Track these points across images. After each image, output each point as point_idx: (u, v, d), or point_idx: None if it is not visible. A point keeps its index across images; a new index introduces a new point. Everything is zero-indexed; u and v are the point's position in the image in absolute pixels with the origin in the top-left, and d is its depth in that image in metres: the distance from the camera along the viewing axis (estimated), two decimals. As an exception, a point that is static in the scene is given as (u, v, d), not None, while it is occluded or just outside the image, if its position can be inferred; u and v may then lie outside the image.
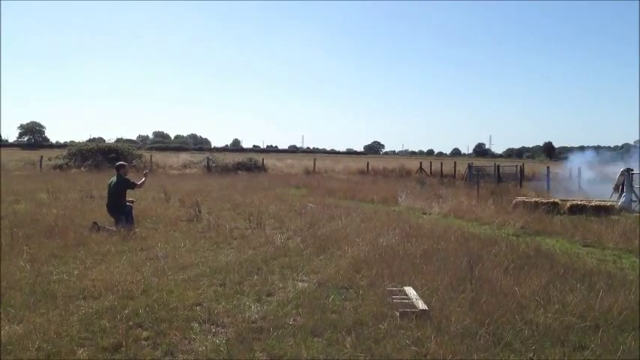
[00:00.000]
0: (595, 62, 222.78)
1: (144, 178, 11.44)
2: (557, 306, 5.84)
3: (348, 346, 4.73)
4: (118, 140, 62.61)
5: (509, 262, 7.81)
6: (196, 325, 5.24)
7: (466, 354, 4.50)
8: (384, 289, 6.38)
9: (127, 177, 11.30)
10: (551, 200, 16.49)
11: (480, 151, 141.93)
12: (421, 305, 5.64)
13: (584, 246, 10.34)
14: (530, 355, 4.21)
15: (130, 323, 5.15)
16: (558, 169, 31.90)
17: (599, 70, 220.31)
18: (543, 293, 6.29)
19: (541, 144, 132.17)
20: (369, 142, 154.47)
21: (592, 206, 15.48)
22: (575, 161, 29.64)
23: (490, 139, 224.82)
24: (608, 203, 16.23)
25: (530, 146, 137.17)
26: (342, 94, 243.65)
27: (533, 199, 16.70)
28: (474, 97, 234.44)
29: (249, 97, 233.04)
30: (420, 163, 38.78)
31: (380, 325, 5.19)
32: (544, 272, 7.27)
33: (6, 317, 5.23)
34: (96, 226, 10.19)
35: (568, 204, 15.86)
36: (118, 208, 10.77)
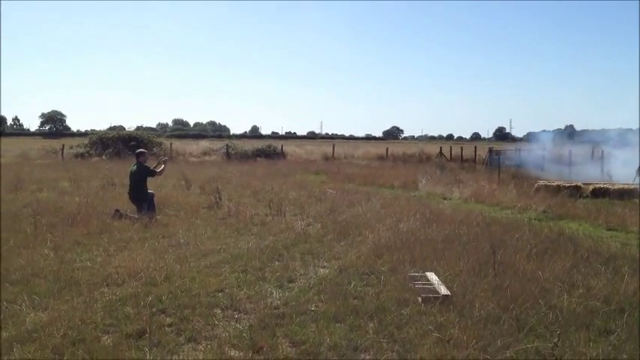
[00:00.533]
0: (619, 44, 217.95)
1: (163, 166, 11.50)
2: (581, 290, 5.77)
3: (370, 331, 4.73)
4: (138, 128, 62.98)
5: (532, 246, 7.73)
6: (219, 311, 5.28)
7: (490, 339, 4.47)
8: (406, 275, 6.36)
9: (147, 164, 11.39)
10: (574, 184, 16.29)
11: (501, 135, 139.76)
12: (443, 290, 5.61)
13: (607, 230, 10.22)
14: (555, 340, 4.14)
15: (154, 310, 5.20)
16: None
17: (622, 52, 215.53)
18: (567, 277, 6.22)
19: (563, 127, 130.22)
20: (388, 128, 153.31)
21: (615, 190, 15.32)
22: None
23: (510, 122, 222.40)
24: (632, 186, 15.98)
25: (551, 130, 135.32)
26: (360, 80, 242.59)
27: (555, 183, 16.51)
28: (493, 80, 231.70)
29: (266, 85, 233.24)
30: (440, 147, 38.30)
31: (402, 311, 5.18)
32: (567, 256, 7.17)
33: (31, 305, 5.31)
34: (118, 214, 10.28)
35: (591, 187, 15.72)
36: (140, 195, 10.86)
